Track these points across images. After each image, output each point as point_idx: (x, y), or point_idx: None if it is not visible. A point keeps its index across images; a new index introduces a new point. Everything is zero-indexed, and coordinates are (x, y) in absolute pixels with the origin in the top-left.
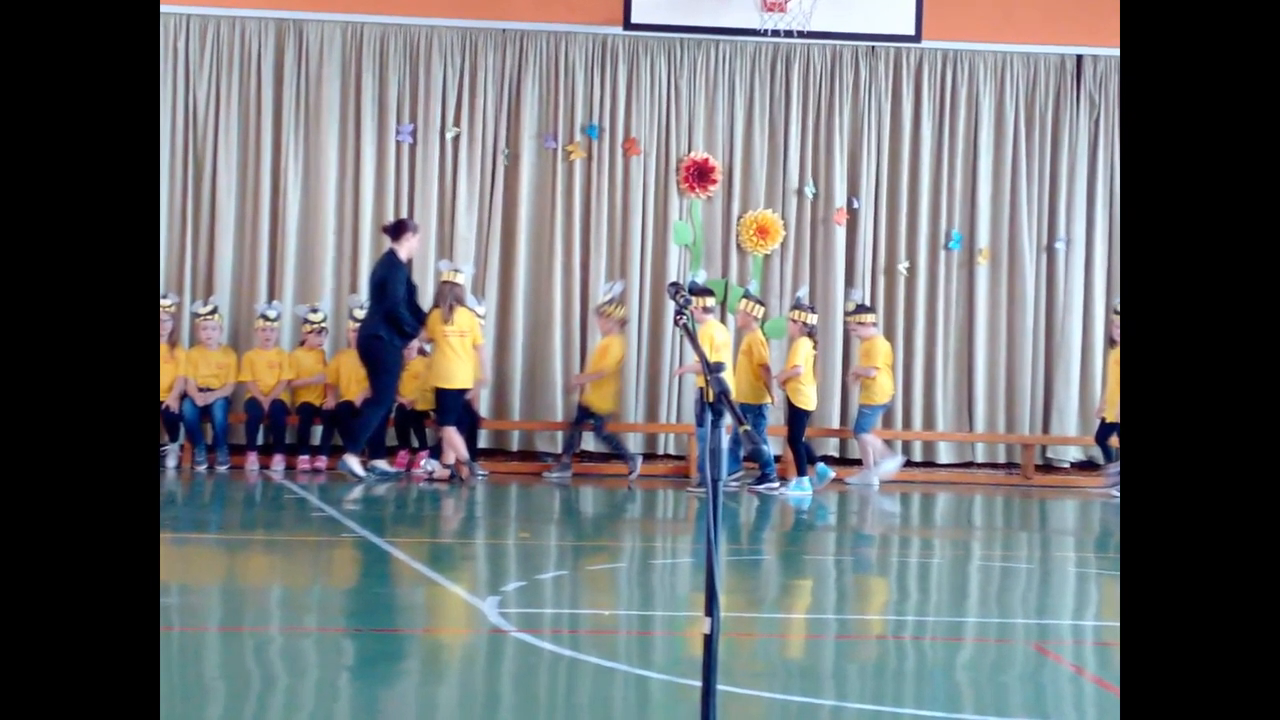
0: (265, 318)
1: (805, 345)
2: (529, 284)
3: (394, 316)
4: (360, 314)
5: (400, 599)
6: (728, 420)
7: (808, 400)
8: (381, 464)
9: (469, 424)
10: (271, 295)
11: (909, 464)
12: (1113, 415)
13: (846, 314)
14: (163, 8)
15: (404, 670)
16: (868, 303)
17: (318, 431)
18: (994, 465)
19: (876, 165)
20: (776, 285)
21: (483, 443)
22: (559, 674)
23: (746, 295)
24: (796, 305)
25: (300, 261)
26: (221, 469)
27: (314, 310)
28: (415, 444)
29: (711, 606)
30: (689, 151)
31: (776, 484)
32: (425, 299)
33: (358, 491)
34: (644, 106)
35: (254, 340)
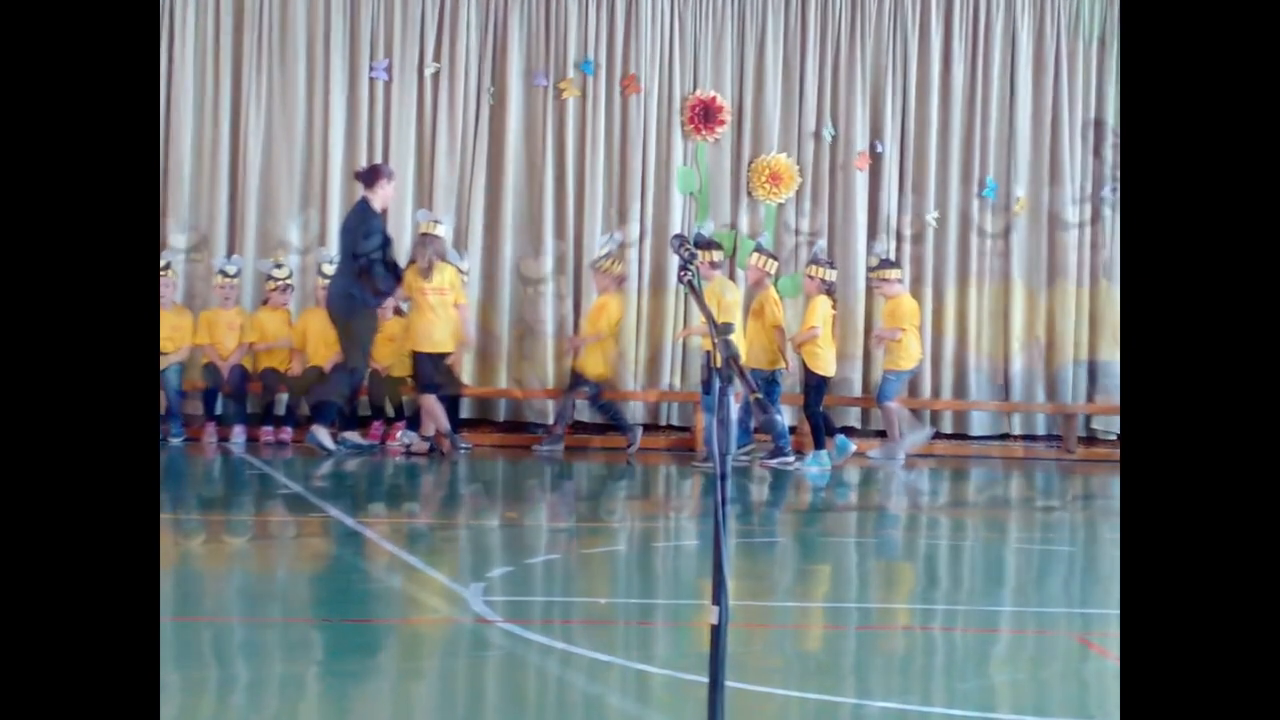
0: (224, 274)
1: (823, 304)
2: (516, 236)
3: (367, 272)
4: (330, 270)
5: (375, 586)
6: (737, 388)
7: (826, 365)
8: (353, 436)
9: (449, 392)
10: (231, 249)
11: (938, 436)
12: None
13: (869, 269)
14: None
15: (379, 664)
16: (892, 257)
17: (283, 400)
18: (1033, 437)
19: (903, 104)
20: (791, 238)
21: (465, 412)
22: (550, 668)
23: (758, 249)
24: (813, 260)
25: (263, 212)
26: (175, 442)
27: (278, 265)
28: (391, 414)
29: (719, 594)
30: (694, 90)
31: (791, 458)
32: (402, 253)
33: (327, 467)
34: (644, 40)
35: (211, 299)
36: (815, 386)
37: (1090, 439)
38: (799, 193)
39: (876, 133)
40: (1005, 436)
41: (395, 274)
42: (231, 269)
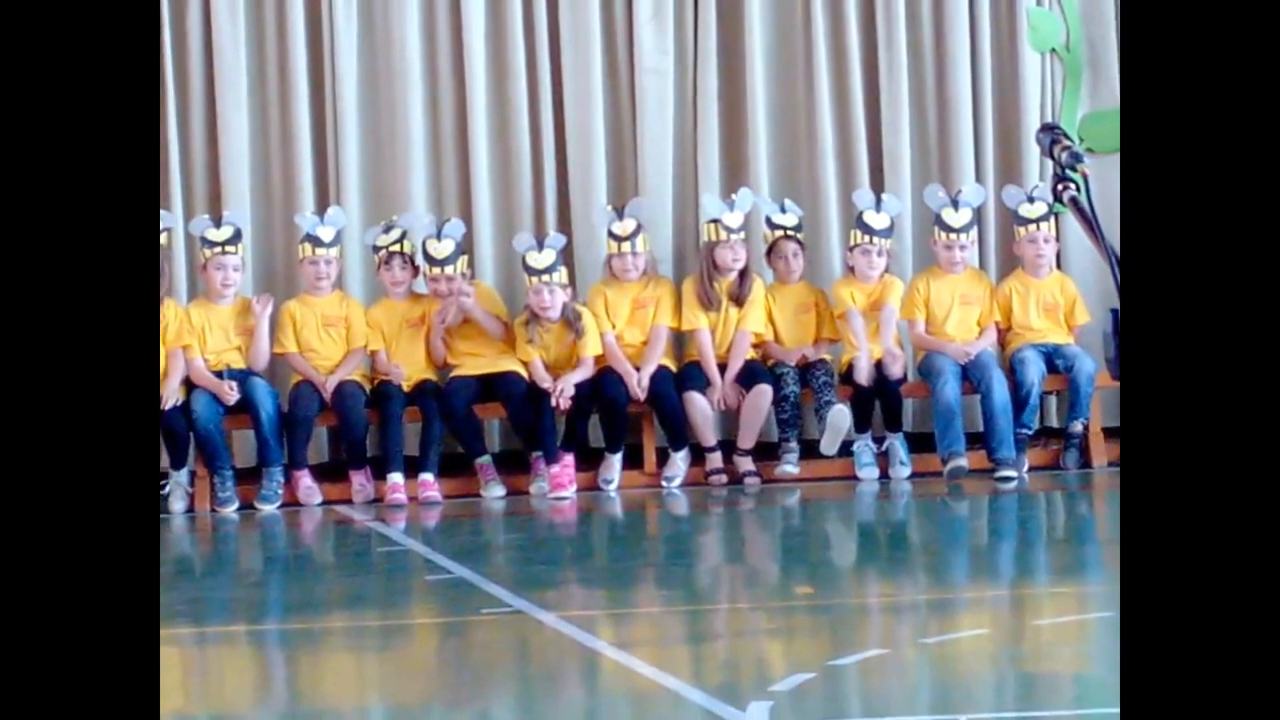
0: (314, 242)
1: None
2: None
3: None
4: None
5: (603, 714)
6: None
7: None
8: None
9: None
10: (322, 205)
11: None
12: None
13: None
14: None
15: None
16: None
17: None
18: None
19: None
20: None
21: None
22: None
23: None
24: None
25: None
26: (269, 509)
27: (388, 228)
28: None
29: None
30: None
31: None
32: None
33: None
34: None
35: (299, 281)
36: None
37: None
38: None
39: None
40: None
41: None
42: (326, 233)
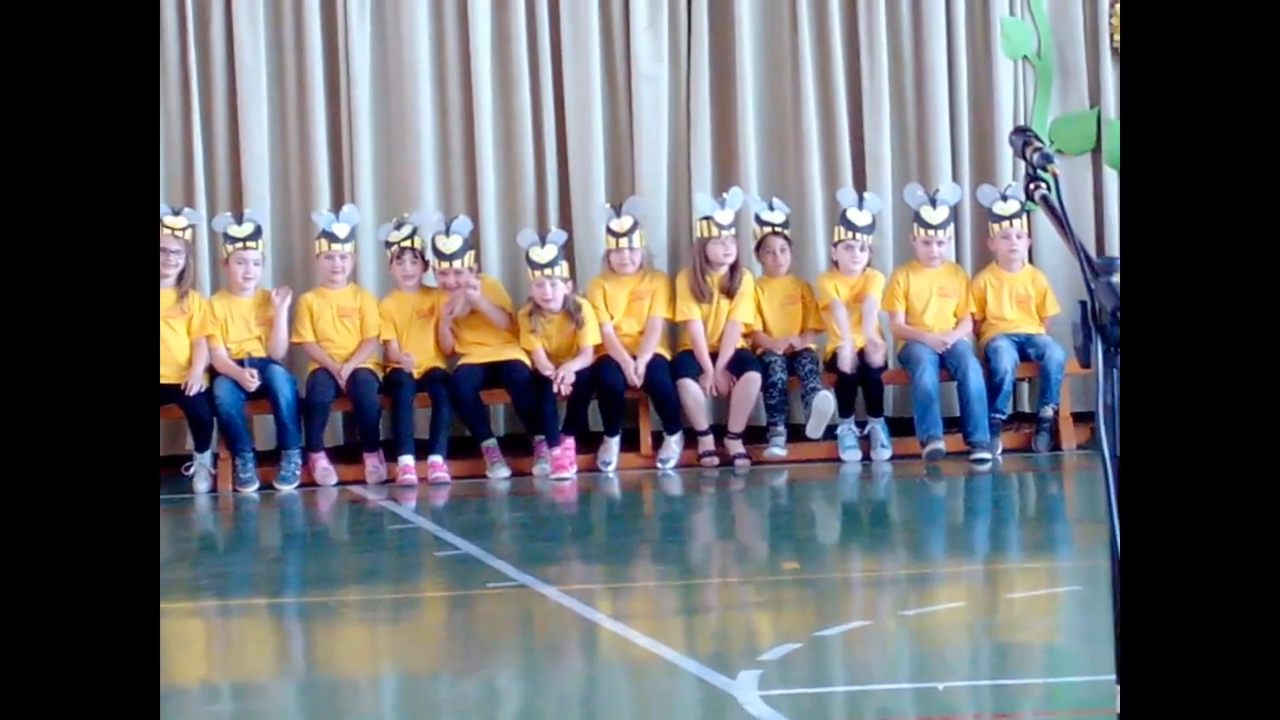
0: (330, 238)
1: None
2: None
3: None
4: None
5: (601, 683)
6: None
7: None
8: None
9: None
10: (338, 203)
11: None
12: None
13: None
14: None
15: None
16: None
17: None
18: None
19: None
20: None
21: None
22: None
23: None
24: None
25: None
26: (287, 489)
27: (399, 225)
28: None
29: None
30: None
31: None
32: None
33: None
34: None
35: (316, 274)
36: None
37: None
38: None
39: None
40: None
41: None
42: (342, 229)
